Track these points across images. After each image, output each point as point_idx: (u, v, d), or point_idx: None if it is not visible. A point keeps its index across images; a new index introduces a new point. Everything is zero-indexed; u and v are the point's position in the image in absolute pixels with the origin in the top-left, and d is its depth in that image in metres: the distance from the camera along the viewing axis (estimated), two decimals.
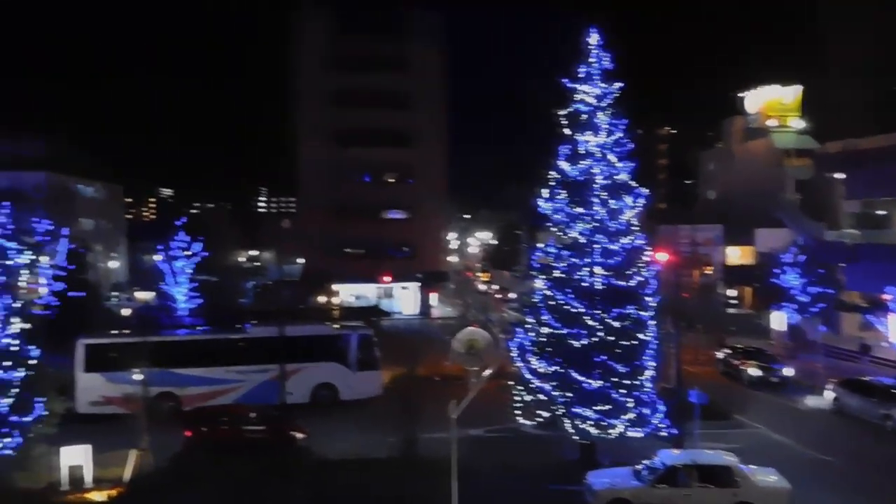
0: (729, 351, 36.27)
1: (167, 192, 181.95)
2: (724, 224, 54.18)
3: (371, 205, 62.46)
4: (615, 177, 21.04)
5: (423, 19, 62.41)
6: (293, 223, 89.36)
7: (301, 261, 67.40)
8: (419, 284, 62.19)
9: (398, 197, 64.45)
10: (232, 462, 20.17)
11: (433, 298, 63.85)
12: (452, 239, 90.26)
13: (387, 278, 60.22)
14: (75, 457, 19.07)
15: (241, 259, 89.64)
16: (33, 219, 40.40)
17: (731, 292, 55.02)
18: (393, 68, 61.09)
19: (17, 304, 20.80)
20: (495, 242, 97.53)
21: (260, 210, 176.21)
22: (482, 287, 79.46)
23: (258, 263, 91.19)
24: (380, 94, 60.51)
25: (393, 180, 65.21)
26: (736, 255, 54.98)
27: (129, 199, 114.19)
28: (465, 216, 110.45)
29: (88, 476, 19.14)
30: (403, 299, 62.83)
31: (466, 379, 16.96)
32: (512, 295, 66.31)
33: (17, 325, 20.17)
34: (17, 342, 19.96)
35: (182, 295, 41.16)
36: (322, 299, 57.66)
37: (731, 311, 52.65)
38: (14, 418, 19.11)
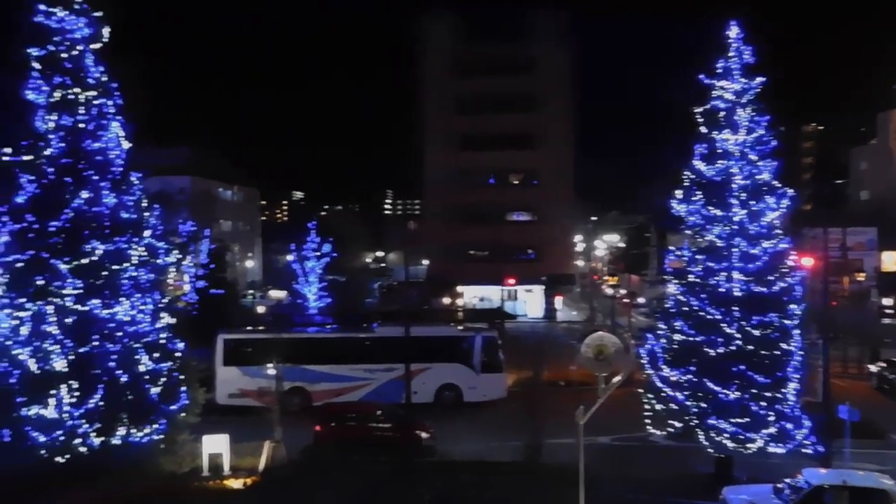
0: (884, 365, 33.67)
1: (299, 194, 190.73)
2: (878, 227, 50.26)
3: (495, 207, 62.74)
4: (756, 177, 20.04)
5: (548, 19, 62.01)
6: (418, 225, 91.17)
7: (426, 262, 68.67)
8: (544, 287, 61.78)
9: (523, 199, 64.37)
10: (358, 458, 20.88)
11: (558, 302, 63.25)
12: (578, 242, 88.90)
13: (511, 281, 60.23)
14: (215, 445, 20.34)
15: (368, 260, 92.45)
16: (179, 220, 43.59)
17: (887, 301, 50.95)
18: (519, 70, 61.13)
19: (165, 300, 22.53)
20: (624, 245, 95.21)
21: (386, 212, 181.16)
22: (609, 291, 77.73)
23: (384, 264, 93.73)
24: (505, 96, 60.69)
25: (518, 183, 65.16)
26: (892, 260, 50.87)
27: (264, 202, 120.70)
28: (592, 218, 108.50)
29: (227, 464, 20.37)
30: (528, 302, 62.63)
31: (594, 385, 16.64)
32: (640, 300, 64.49)
33: (165, 319, 21.84)
34: (165, 335, 21.62)
35: (313, 294, 43.02)
36: (446, 301, 58.48)
37: (886, 321, 48.74)
38: (162, 406, 20.66)
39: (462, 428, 25.57)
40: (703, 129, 20.41)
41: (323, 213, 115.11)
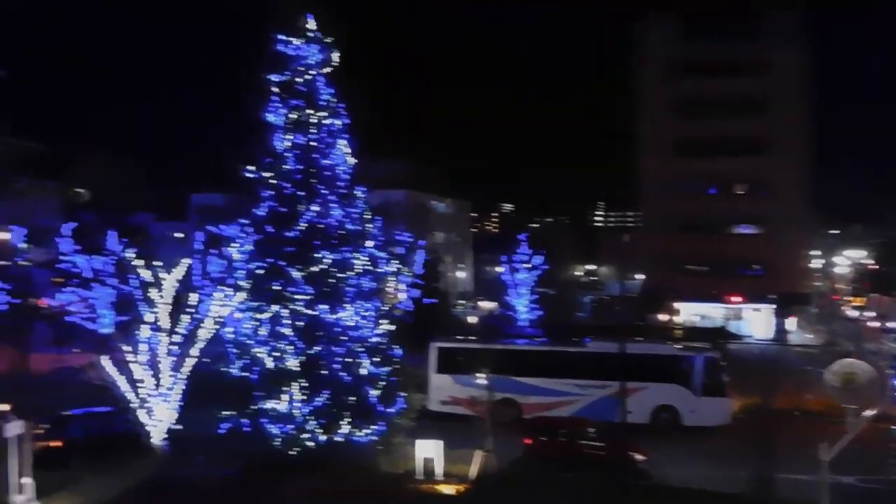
0: None
1: (509, 206, 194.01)
2: None
3: (717, 219, 59.51)
4: None
5: (781, 17, 57.89)
6: (632, 237, 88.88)
7: (640, 276, 66.71)
8: (774, 307, 57.35)
9: (749, 210, 60.42)
10: (569, 475, 20.70)
11: (790, 323, 58.38)
12: (815, 258, 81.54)
13: (735, 298, 56.63)
14: (429, 450, 21.21)
15: (579, 273, 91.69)
16: (396, 231, 46.05)
17: None
18: (745, 72, 57.75)
19: (385, 308, 24.01)
20: (871, 262, 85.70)
21: (597, 224, 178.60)
22: (852, 313, 70.35)
23: (595, 278, 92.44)
24: (729, 99, 57.58)
25: (743, 192, 61.29)
26: None
27: (475, 214, 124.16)
28: (832, 232, 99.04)
29: (439, 469, 21.15)
30: (754, 322, 58.54)
31: (837, 417, 15.12)
32: (892, 324, 57.66)
33: (384, 325, 23.29)
34: (384, 341, 23.03)
35: (523, 306, 43.51)
36: (663, 317, 56.32)
37: None
38: (381, 409, 21.99)
39: (679, 453, 24.39)
40: None
41: (534, 225, 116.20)
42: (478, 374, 24.96)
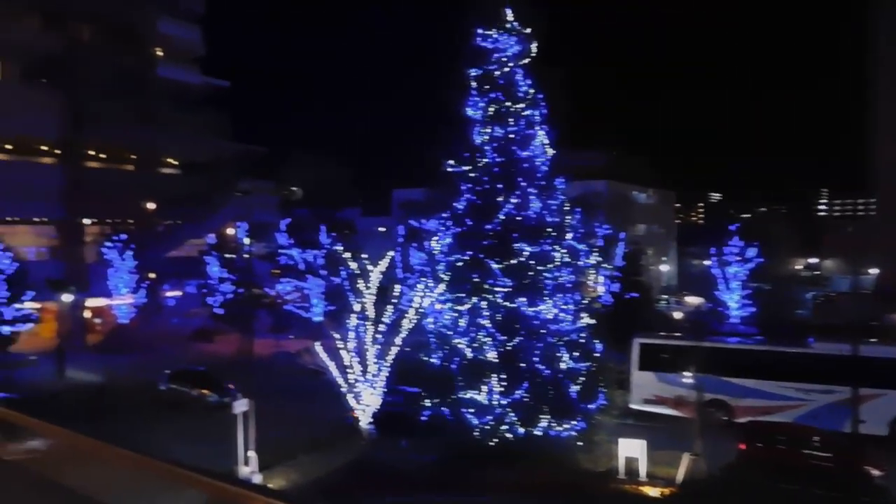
0: None
1: (716, 195, 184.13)
2: None
3: None
4: None
5: None
6: (864, 227, 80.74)
7: (874, 271, 60.44)
8: None
9: None
10: (789, 486, 19.24)
11: None
12: None
13: None
14: (632, 449, 20.66)
15: (798, 267, 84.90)
16: (595, 223, 45.42)
17: None
18: None
19: (585, 301, 23.72)
20: None
21: (821, 213, 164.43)
22: None
23: (818, 272, 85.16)
24: None
25: None
26: None
27: (679, 204, 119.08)
28: None
29: (643, 470, 20.55)
30: None
31: None
32: None
33: (584, 319, 23.01)
34: (584, 335, 22.76)
35: (734, 302, 41.08)
36: None
37: None
38: (580, 404, 21.76)
39: None
40: None
41: (744, 216, 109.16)
42: (685, 373, 23.94)
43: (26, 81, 46.28)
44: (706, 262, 45.60)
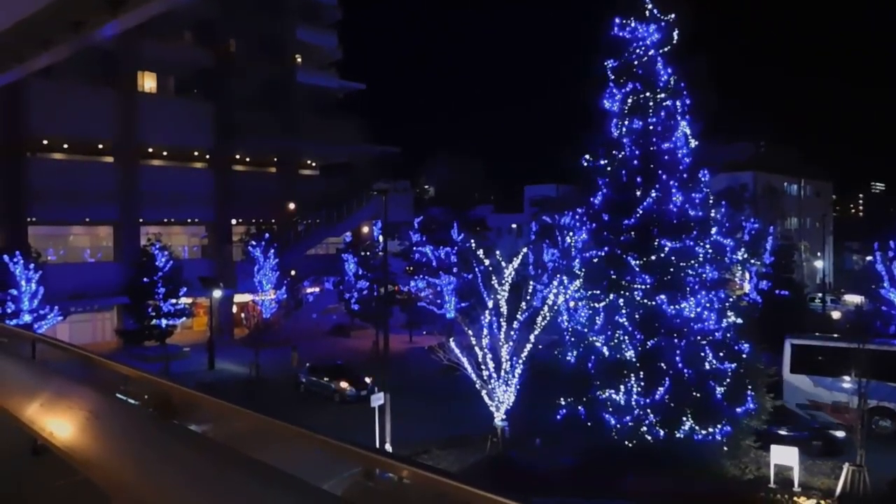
0: None
1: (879, 186, 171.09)
2: None
3: None
4: None
5: None
6: None
7: None
8: None
9: None
10: None
11: None
12: None
13: None
14: (784, 457, 19.66)
15: None
16: (743, 217, 43.53)
17: None
18: None
19: (731, 299, 22.74)
20: None
21: None
22: None
23: None
24: None
25: None
26: None
27: (835, 196, 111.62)
28: None
29: (796, 479, 19.50)
30: None
31: None
32: None
33: (730, 318, 22.06)
34: (730, 335, 21.83)
35: None
36: None
37: None
38: (726, 407, 20.89)
39: None
40: None
41: None
42: (845, 377, 22.49)
43: (180, 94, 49.94)
44: (868, 258, 42.54)
